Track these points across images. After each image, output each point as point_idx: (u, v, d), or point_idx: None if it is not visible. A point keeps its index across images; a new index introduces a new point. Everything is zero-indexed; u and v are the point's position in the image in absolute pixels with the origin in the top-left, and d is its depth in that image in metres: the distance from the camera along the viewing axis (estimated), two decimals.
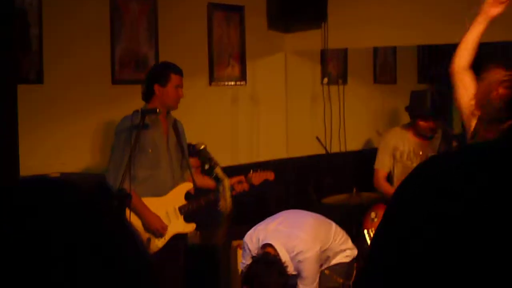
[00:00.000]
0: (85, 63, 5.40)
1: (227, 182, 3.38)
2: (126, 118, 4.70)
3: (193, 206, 4.87)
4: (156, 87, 4.75)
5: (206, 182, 5.09)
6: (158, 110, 4.60)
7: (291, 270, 4.42)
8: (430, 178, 0.88)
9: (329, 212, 6.28)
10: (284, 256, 4.39)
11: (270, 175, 5.00)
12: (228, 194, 3.37)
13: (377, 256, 0.89)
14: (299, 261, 4.43)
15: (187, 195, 4.90)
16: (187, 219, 4.88)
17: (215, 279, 4.85)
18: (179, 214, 4.83)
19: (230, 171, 5.05)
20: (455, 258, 0.80)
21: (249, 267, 4.25)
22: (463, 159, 0.88)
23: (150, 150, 4.70)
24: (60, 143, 5.27)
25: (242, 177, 4.98)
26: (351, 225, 5.60)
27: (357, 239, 5.21)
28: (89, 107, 5.36)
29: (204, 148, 3.68)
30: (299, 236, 4.46)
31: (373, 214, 5.40)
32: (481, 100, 3.98)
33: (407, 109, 5.35)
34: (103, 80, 5.44)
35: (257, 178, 5.09)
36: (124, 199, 4.37)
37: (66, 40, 5.28)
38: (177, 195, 4.85)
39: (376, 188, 5.58)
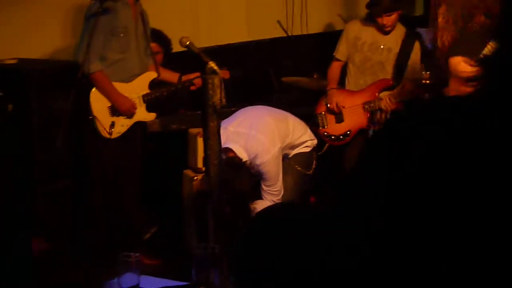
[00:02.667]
0: None
1: (220, 75, 3.41)
2: (95, 2, 4.70)
3: (155, 95, 5.00)
4: None
5: (169, 75, 5.19)
6: None
7: (254, 172, 4.55)
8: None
9: (288, 93, 6.43)
10: (246, 158, 4.51)
11: (225, 74, 5.02)
12: (222, 86, 3.44)
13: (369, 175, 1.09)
14: (258, 164, 4.55)
15: (151, 84, 5.01)
16: (149, 108, 5.00)
17: (173, 167, 4.97)
18: (142, 102, 4.97)
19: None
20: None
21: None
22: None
23: (121, 35, 4.77)
24: (21, 27, 5.24)
25: (199, 73, 5.01)
26: (309, 108, 5.74)
27: (311, 121, 5.36)
28: None
29: (191, 43, 3.71)
30: (256, 138, 4.55)
31: (326, 100, 5.55)
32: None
33: (367, 6, 5.42)
34: None
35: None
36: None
37: None
38: (142, 83, 4.97)
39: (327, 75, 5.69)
